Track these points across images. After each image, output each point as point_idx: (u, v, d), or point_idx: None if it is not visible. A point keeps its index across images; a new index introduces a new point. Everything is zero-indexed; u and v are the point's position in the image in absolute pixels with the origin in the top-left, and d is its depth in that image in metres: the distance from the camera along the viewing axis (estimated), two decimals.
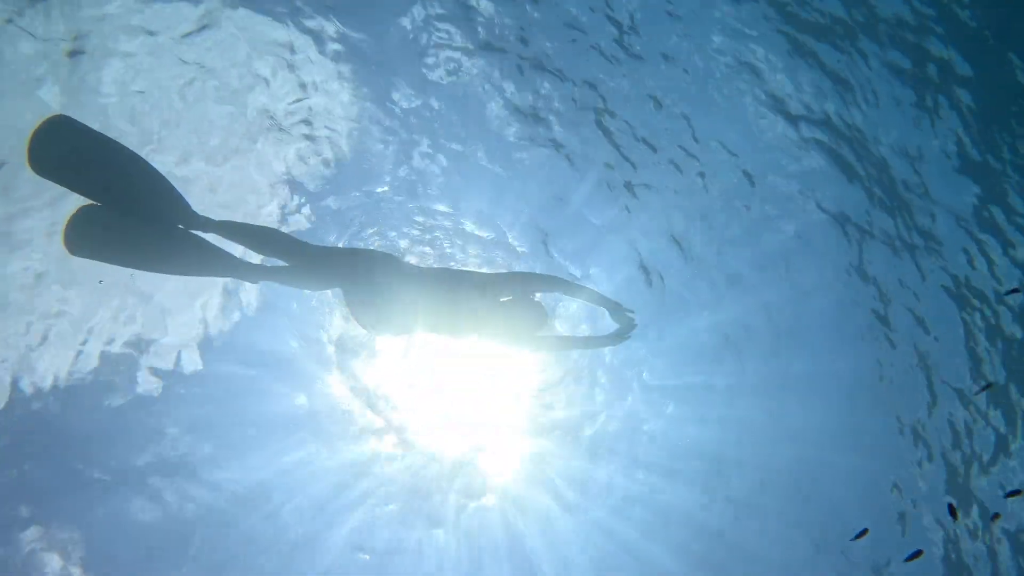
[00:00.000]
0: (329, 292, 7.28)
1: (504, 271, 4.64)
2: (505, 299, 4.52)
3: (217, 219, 4.26)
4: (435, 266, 5.37)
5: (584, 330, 7.55)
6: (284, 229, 7.26)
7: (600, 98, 6.92)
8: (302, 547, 9.79)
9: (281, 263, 4.46)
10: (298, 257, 4.40)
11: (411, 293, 4.44)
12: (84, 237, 4.01)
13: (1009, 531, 8.33)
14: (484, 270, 4.66)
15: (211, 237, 4.30)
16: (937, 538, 8.77)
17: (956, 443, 8.15)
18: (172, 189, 4.12)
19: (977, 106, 6.37)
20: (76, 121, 3.89)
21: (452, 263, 7.81)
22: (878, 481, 8.85)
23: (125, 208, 4.02)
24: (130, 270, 7.39)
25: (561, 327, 7.54)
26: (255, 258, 5.72)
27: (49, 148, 3.73)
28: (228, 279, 7.23)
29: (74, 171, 3.86)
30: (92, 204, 4.01)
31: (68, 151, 3.81)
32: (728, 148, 7.09)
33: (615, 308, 4.54)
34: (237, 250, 5.42)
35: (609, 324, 5.26)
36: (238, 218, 6.93)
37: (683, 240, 7.62)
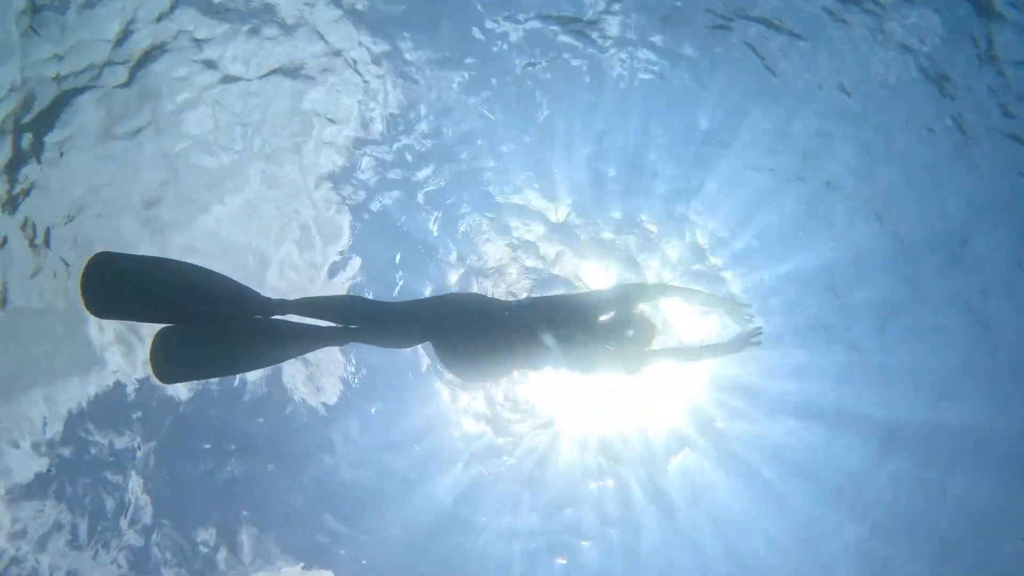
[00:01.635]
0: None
1: (599, 288, 4.15)
2: (605, 318, 4.07)
3: (292, 299, 4.06)
4: (524, 298, 4.86)
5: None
6: None
7: None
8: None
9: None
10: (380, 318, 4.11)
11: (506, 332, 4.04)
12: (169, 362, 3.82)
13: None
14: (576, 291, 4.19)
15: (290, 318, 4.08)
16: None
17: None
18: (235, 284, 3.89)
19: None
20: (117, 254, 3.67)
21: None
22: None
23: (195, 319, 3.77)
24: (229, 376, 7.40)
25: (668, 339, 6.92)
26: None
27: (101, 289, 3.50)
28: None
29: (133, 304, 3.63)
30: (164, 327, 3.79)
31: (120, 286, 3.57)
32: None
33: (734, 309, 3.96)
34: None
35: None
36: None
37: None
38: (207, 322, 3.80)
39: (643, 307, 4.14)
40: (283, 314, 4.03)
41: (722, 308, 4.09)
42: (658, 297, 4.31)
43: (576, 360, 4.14)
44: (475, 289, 7.68)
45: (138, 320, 3.77)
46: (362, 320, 4.08)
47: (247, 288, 3.94)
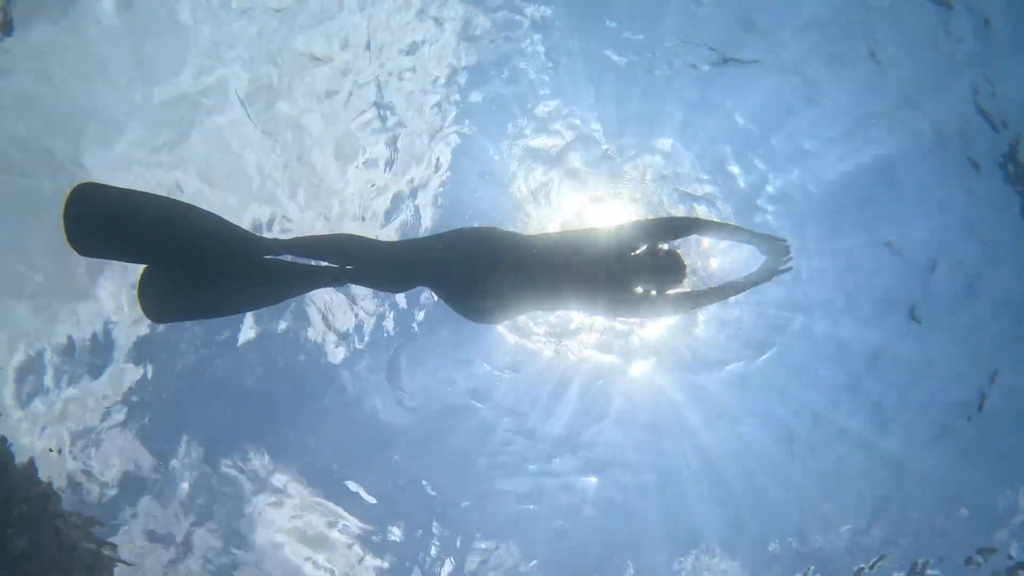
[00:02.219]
0: None
1: (628, 222, 3.93)
2: (637, 254, 3.86)
3: (286, 238, 3.86)
4: (548, 233, 4.61)
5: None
6: None
7: None
8: None
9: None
10: (383, 256, 3.91)
11: (526, 269, 3.84)
12: (159, 303, 3.68)
13: None
14: (606, 225, 4.00)
15: (285, 258, 3.91)
16: None
17: None
18: (227, 225, 3.67)
19: None
20: (103, 185, 3.44)
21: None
22: None
23: (185, 261, 3.58)
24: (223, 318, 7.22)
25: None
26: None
27: (85, 222, 3.30)
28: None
29: (119, 241, 3.43)
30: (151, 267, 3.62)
31: (105, 220, 3.36)
32: None
33: (765, 240, 3.81)
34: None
35: None
36: None
37: None
38: (197, 264, 3.63)
39: (674, 243, 3.95)
40: (277, 254, 3.84)
41: (757, 243, 3.89)
42: (691, 231, 4.07)
43: (606, 303, 3.98)
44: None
45: (124, 259, 3.57)
46: (361, 261, 3.90)
47: (240, 229, 3.75)
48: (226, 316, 4.58)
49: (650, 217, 5.67)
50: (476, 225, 4.27)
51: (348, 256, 3.91)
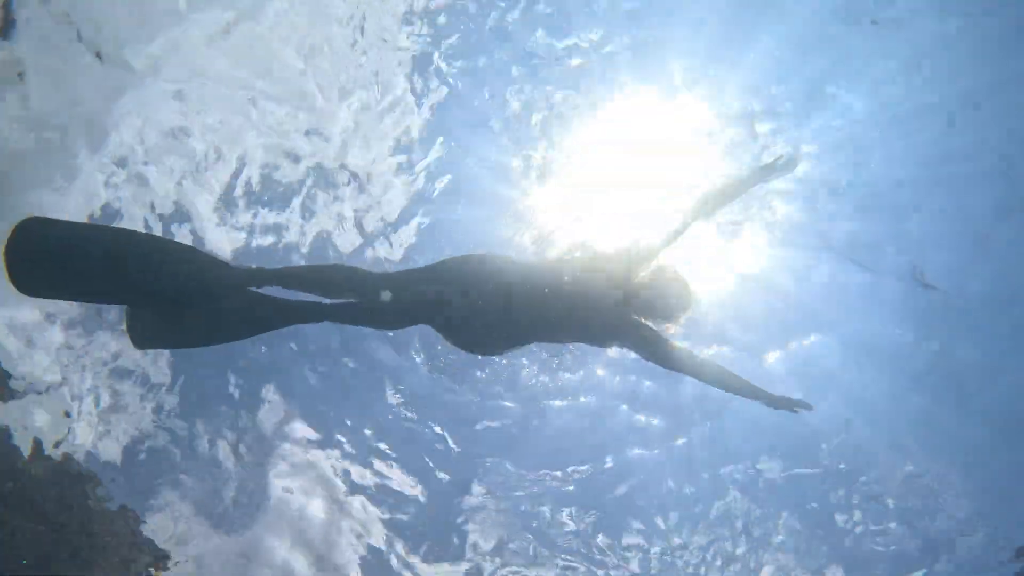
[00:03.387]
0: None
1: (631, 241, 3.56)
2: (646, 277, 3.57)
3: (269, 268, 3.51)
4: (546, 257, 4.18)
5: None
6: None
7: None
8: None
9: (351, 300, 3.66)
10: (373, 289, 3.54)
11: (524, 300, 3.53)
12: (136, 332, 3.35)
13: None
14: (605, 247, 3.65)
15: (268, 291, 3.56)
16: None
17: None
18: (199, 259, 3.25)
19: None
20: (51, 220, 3.01)
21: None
22: None
23: (150, 302, 3.14)
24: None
25: None
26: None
27: (30, 262, 2.84)
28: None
29: (71, 282, 2.98)
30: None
31: (54, 260, 2.91)
32: None
33: (773, 170, 3.65)
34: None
35: None
36: None
37: None
38: (164, 304, 3.19)
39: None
40: (259, 286, 3.48)
41: (761, 179, 3.67)
42: (709, 207, 3.67)
43: (610, 330, 3.60)
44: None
45: (81, 301, 3.14)
46: (357, 294, 3.51)
47: (214, 261, 3.39)
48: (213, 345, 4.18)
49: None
50: (469, 254, 3.89)
51: (341, 288, 3.48)
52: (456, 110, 6.24)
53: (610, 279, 3.51)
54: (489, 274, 3.56)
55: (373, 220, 6.71)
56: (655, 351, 3.55)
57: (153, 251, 3.13)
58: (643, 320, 3.58)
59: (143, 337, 3.35)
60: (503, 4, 5.78)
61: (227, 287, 3.38)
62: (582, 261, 3.72)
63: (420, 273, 3.66)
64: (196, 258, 3.23)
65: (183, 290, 3.17)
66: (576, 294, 3.50)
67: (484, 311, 3.52)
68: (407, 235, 6.72)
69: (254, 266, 3.52)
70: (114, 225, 3.41)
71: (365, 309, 3.60)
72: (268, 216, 6.64)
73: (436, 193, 6.54)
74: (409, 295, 3.57)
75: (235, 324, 3.50)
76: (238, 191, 6.47)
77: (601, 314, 3.53)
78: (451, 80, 6.13)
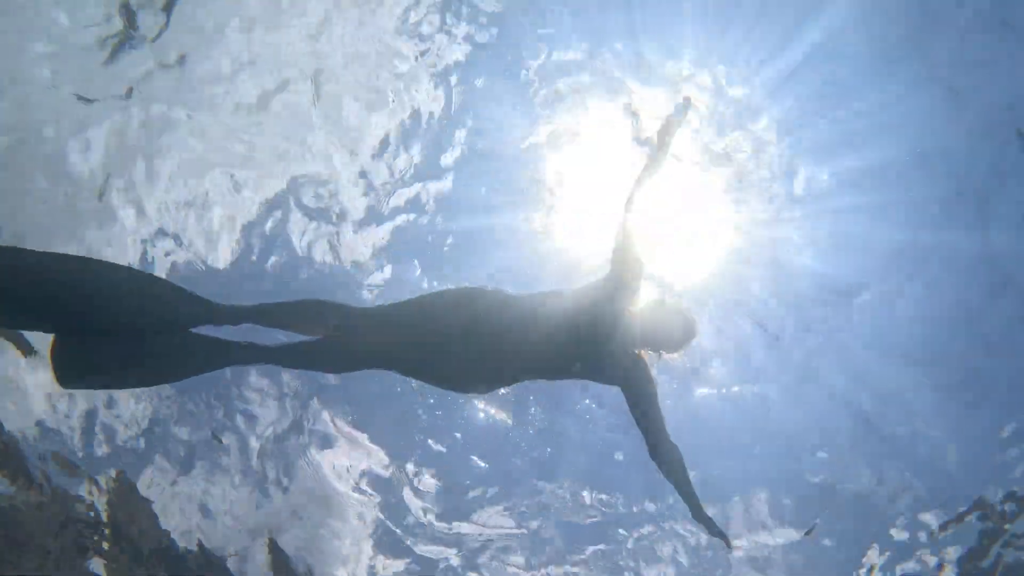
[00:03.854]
0: None
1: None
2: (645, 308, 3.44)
3: (248, 305, 3.25)
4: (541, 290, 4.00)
5: None
6: None
7: None
8: None
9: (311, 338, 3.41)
10: (365, 324, 3.33)
11: (521, 334, 3.32)
12: (64, 368, 2.98)
13: None
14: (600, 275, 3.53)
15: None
16: None
17: None
18: (172, 295, 3.09)
19: None
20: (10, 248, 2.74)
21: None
22: None
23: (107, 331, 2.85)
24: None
25: None
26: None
27: None
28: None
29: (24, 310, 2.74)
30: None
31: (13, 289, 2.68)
32: None
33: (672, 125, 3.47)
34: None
35: None
36: None
37: None
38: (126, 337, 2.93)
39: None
40: (235, 324, 3.24)
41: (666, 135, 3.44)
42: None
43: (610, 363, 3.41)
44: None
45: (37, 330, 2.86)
46: (342, 330, 3.26)
47: (190, 296, 3.12)
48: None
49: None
50: (458, 288, 3.68)
51: (324, 324, 3.24)
52: None
53: (609, 305, 3.34)
54: (486, 311, 3.34)
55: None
56: (642, 394, 3.38)
57: (114, 276, 2.88)
58: (640, 355, 3.44)
59: (65, 379, 3.01)
60: None
61: (201, 324, 3.11)
62: (575, 292, 3.51)
63: (410, 307, 3.42)
64: (170, 297, 2.98)
65: (143, 323, 2.92)
66: (580, 326, 3.32)
67: (479, 349, 3.30)
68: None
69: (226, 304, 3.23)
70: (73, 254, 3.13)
71: (327, 348, 3.34)
72: None
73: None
74: (394, 332, 3.33)
75: (173, 364, 3.20)
76: None
77: (601, 346, 3.34)
78: None
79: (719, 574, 9.05)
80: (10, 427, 7.19)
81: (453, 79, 6.16)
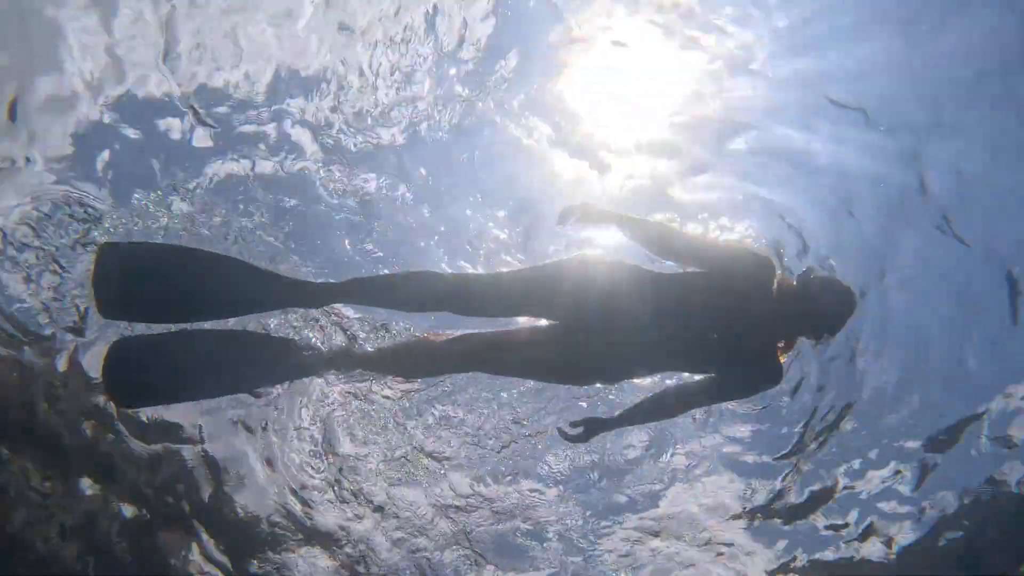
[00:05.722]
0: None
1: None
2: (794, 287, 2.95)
3: (339, 282, 3.03)
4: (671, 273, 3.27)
5: None
6: None
7: None
8: None
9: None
10: (473, 295, 3.03)
11: (662, 320, 2.87)
12: (129, 382, 3.01)
13: None
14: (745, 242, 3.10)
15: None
16: None
17: None
18: (263, 275, 3.08)
19: None
20: (128, 244, 3.01)
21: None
22: None
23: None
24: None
25: None
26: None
27: (112, 286, 2.81)
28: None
29: (156, 303, 2.91)
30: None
31: (141, 283, 2.85)
32: None
33: None
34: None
35: None
36: None
37: None
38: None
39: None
40: (329, 304, 3.29)
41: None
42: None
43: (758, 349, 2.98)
44: None
45: (155, 321, 3.08)
46: (443, 305, 3.00)
47: (283, 278, 3.06)
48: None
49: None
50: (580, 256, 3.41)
51: (430, 298, 3.02)
52: None
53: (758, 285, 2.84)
54: (635, 285, 2.90)
55: None
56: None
57: (230, 269, 3.03)
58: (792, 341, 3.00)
59: (132, 395, 3.12)
60: None
61: (294, 305, 3.21)
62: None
63: (531, 277, 3.01)
64: (261, 277, 3.05)
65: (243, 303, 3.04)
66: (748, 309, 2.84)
67: (616, 333, 2.88)
68: None
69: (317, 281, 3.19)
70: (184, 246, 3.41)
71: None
72: None
73: None
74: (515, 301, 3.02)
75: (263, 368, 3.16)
76: None
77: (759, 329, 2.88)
78: None
79: None
80: None
81: None
